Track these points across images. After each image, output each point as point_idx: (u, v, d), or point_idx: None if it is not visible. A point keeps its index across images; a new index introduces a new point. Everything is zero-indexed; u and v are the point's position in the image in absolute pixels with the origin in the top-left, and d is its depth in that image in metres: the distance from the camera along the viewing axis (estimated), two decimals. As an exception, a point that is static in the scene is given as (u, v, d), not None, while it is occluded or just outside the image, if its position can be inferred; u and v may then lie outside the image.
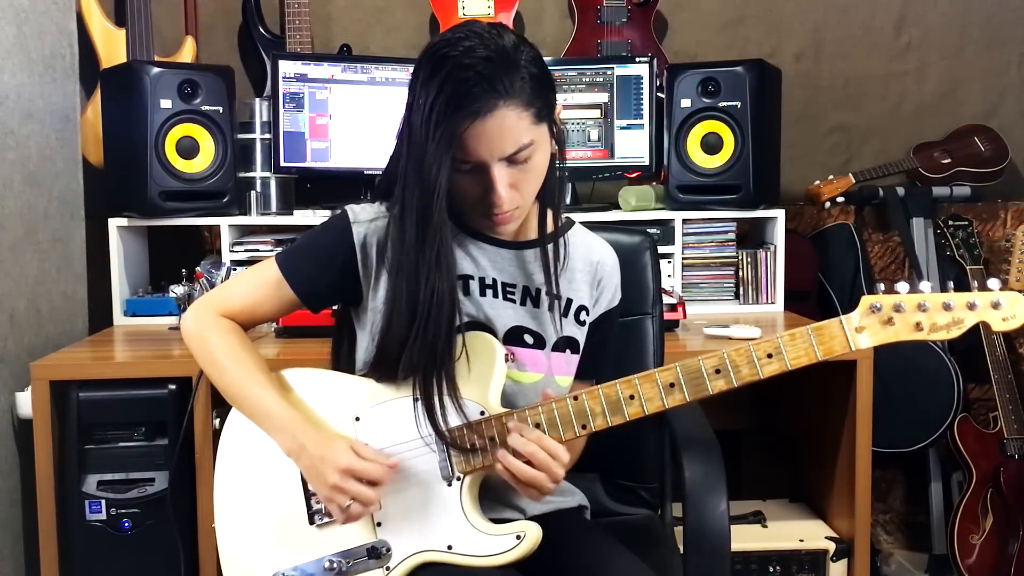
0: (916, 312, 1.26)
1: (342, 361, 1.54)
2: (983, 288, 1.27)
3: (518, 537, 1.32)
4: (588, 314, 1.50)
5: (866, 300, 1.27)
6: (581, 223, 1.57)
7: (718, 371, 1.30)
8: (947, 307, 1.26)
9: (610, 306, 1.54)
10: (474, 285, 1.43)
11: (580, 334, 1.49)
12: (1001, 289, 1.27)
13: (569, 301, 1.48)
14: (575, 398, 1.33)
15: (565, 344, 1.47)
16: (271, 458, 1.41)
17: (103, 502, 2.09)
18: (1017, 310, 1.26)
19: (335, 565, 1.37)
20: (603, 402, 1.33)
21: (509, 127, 1.29)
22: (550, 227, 1.46)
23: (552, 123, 1.37)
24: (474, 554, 1.33)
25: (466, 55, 1.28)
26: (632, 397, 1.32)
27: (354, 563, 1.37)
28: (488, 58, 1.28)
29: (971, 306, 1.26)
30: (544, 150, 1.36)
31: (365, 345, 1.45)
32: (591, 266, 1.51)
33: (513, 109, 1.28)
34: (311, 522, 1.40)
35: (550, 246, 1.45)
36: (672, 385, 1.31)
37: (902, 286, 1.27)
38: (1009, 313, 1.26)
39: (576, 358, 1.49)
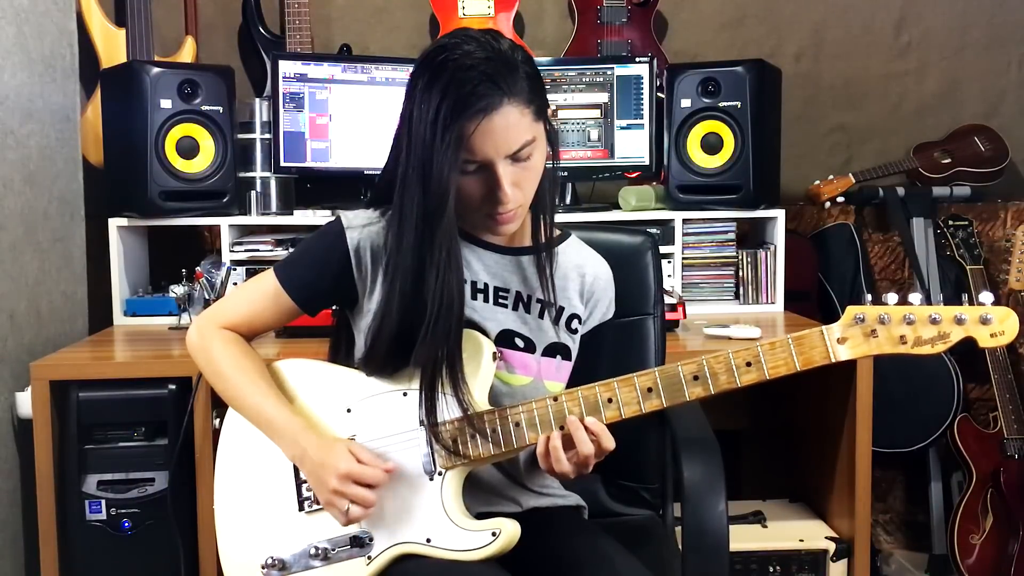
0: (901, 325, 1.23)
1: (339, 362, 1.56)
2: (980, 291, 1.24)
3: (493, 534, 1.34)
4: (580, 322, 1.52)
5: (851, 310, 1.25)
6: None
7: (696, 378, 1.30)
8: (934, 320, 1.21)
9: (603, 320, 1.55)
10: (466, 288, 1.45)
11: (571, 341, 1.51)
12: (994, 303, 1.22)
13: (561, 309, 1.50)
14: (555, 399, 1.35)
15: (556, 350, 1.48)
16: (268, 447, 1.45)
17: (103, 502, 2.09)
18: (1007, 326, 1.21)
19: (320, 551, 1.41)
20: (581, 404, 1.34)
21: (514, 124, 1.32)
22: (543, 235, 1.47)
23: (547, 122, 1.40)
24: (451, 548, 1.36)
25: (466, 57, 1.31)
26: (610, 400, 1.33)
27: (338, 550, 1.41)
28: (488, 58, 1.31)
29: (959, 320, 1.21)
30: (542, 148, 1.39)
31: (361, 346, 1.46)
32: (582, 278, 1.53)
33: (516, 106, 1.32)
34: (300, 508, 1.44)
35: (544, 253, 1.46)
36: (650, 390, 1.32)
37: (891, 297, 1.24)
38: (998, 329, 1.21)
39: (568, 364, 1.50)
